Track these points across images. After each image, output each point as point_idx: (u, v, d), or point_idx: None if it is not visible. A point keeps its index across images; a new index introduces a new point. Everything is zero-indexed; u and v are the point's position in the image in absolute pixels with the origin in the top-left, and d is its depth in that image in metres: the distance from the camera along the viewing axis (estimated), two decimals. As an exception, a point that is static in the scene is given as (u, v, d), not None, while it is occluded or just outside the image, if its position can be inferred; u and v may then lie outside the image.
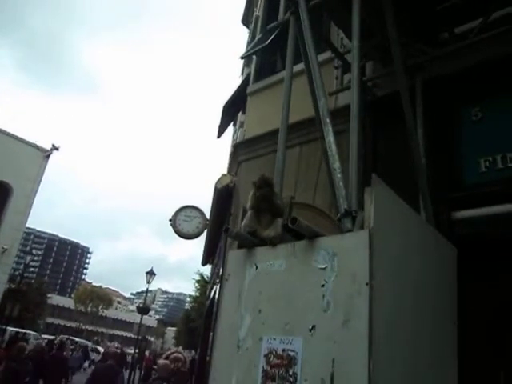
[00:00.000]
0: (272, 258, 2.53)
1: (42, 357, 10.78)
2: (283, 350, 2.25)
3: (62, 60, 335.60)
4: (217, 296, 7.42)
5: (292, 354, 2.21)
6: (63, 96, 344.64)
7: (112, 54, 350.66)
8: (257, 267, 2.60)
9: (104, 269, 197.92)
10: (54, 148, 24.51)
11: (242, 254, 2.73)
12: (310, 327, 2.19)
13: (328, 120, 2.95)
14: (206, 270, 22.28)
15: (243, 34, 12.81)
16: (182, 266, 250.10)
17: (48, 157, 24.50)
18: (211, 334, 7.11)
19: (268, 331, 2.37)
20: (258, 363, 2.32)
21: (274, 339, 2.32)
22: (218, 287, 7.27)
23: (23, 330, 27.87)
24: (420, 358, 2.58)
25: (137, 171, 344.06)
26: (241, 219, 2.96)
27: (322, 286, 2.22)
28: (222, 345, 2.66)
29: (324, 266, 2.26)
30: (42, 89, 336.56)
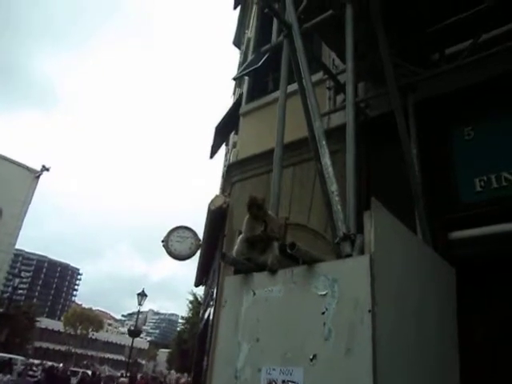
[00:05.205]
0: (270, 284, 2.47)
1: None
2: (283, 382, 2.18)
3: (16, 75, 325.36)
4: (211, 318, 7.28)
5: (293, 385, 2.13)
6: (21, 112, 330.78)
7: (96, 69, 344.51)
8: (254, 293, 2.53)
9: (89, 289, 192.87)
10: (45, 169, 24.32)
11: (238, 279, 2.66)
12: (311, 356, 2.12)
13: (324, 142, 2.92)
14: (199, 290, 21.99)
15: (234, 54, 12.98)
16: (165, 285, 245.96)
17: (38, 178, 24.29)
18: (205, 358, 6.96)
19: (267, 361, 2.29)
20: (257, 395, 2.24)
21: (274, 370, 2.24)
22: (212, 310, 7.14)
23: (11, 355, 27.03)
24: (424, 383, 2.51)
25: (119, 189, 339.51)
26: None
27: (323, 313, 2.16)
28: (219, 375, 2.56)
29: (324, 293, 2.20)
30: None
